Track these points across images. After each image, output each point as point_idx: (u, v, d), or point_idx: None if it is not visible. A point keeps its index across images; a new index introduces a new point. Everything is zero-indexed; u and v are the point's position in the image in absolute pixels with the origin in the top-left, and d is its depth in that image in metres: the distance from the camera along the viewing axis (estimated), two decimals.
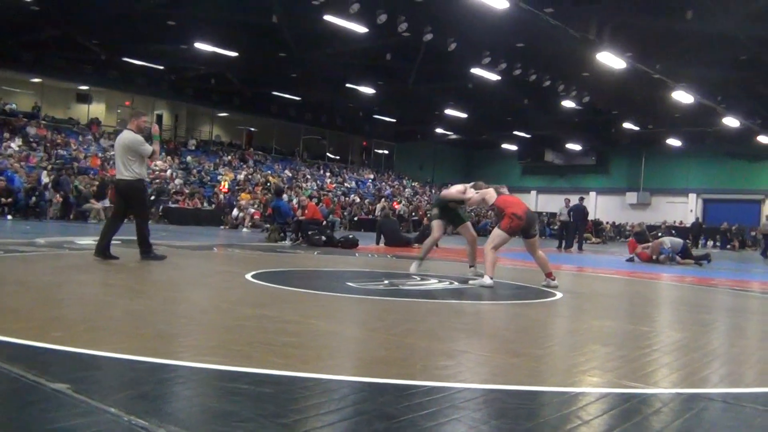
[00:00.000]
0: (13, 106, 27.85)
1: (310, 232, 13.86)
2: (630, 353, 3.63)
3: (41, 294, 4.70)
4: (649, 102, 27.64)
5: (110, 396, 2.23)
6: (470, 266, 7.88)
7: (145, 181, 7.76)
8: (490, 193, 7.37)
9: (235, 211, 23.73)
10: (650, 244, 14.72)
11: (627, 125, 33.81)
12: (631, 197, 42.10)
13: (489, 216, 33.29)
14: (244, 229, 21.42)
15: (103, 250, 7.31)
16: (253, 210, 23.62)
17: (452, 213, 8.09)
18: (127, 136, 7.46)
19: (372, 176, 40.80)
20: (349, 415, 2.22)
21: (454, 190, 7.94)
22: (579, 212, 19.79)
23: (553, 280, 7.12)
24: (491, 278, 6.71)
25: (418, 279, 6.90)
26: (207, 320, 4.02)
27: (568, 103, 27.77)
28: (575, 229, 20.08)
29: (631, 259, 14.49)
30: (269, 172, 33.01)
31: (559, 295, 6.43)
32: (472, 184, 7.94)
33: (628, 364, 3.33)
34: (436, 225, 8.11)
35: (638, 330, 4.61)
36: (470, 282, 6.92)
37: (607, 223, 39.66)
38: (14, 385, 2.34)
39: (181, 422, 2.05)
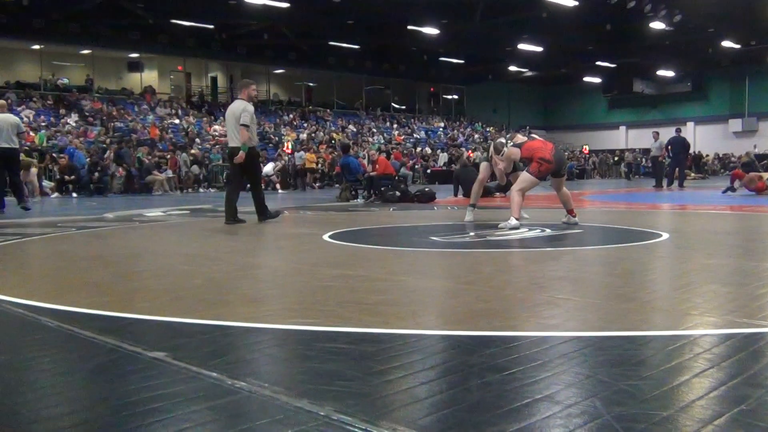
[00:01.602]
0: (66, 80, 28.89)
1: (383, 188, 13.93)
2: (755, 291, 3.51)
3: (120, 267, 4.92)
4: (750, 15, 26.16)
5: (209, 361, 2.32)
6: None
7: (256, 148, 8.60)
8: (513, 152, 7.59)
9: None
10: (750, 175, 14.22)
11: (726, 44, 32.17)
12: (735, 124, 40.27)
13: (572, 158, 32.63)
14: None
15: (232, 216, 8.26)
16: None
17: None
18: (237, 105, 8.36)
19: (442, 124, 40.47)
20: (458, 369, 2.24)
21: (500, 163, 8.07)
22: (678, 145, 19.05)
23: (574, 216, 7.44)
24: (517, 219, 7.00)
25: (507, 228, 6.86)
26: (291, 283, 4.12)
27: (656, 25, 26.65)
28: (675, 164, 19.42)
29: (732, 189, 14.03)
30: (332, 128, 33.21)
31: (665, 235, 6.28)
32: (509, 136, 8.31)
33: (753, 302, 3.23)
34: (483, 166, 8.50)
35: (761, 267, 4.45)
36: (499, 225, 7.08)
37: (708, 155, 38.21)
38: (112, 356, 2.46)
39: (284, 383, 2.12)
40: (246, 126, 8.13)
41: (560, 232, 6.84)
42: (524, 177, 7.28)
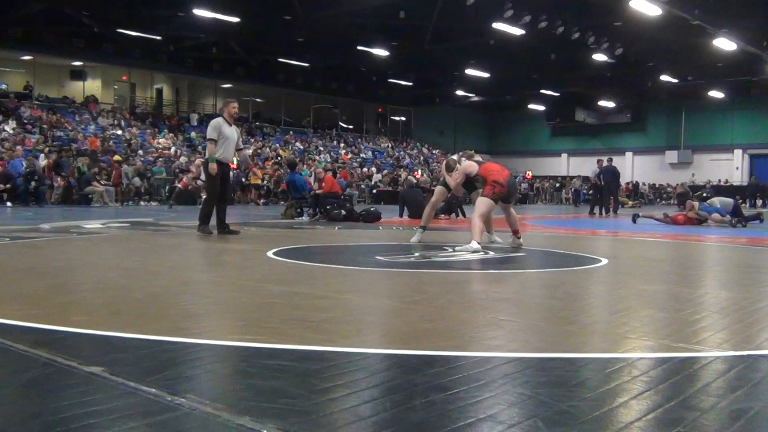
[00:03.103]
0: (4, 86, 28.02)
1: (328, 207, 13.89)
2: (689, 317, 3.61)
3: (55, 279, 4.77)
4: (687, 51, 27.14)
5: (148, 377, 2.26)
6: (488, 232, 8.13)
7: (223, 162, 8.83)
8: (469, 165, 7.80)
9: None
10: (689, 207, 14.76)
11: (664, 78, 33.28)
12: (671, 156, 41.61)
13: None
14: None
15: (221, 227, 8.78)
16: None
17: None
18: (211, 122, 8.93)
19: (389, 145, 40.68)
20: (402, 388, 2.24)
21: (453, 175, 8.07)
22: (609, 173, 19.73)
23: (519, 238, 7.77)
24: (478, 243, 7.06)
25: (451, 250, 6.92)
26: (234, 299, 4.06)
27: (599, 57, 27.37)
28: (608, 193, 20.01)
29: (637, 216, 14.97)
30: (278, 145, 33.03)
31: (603, 260, 6.43)
32: (461, 153, 8.44)
33: (688, 327, 3.33)
34: (438, 190, 8.57)
35: (695, 293, 4.59)
36: (457, 248, 7.15)
37: (644, 184, 39.33)
38: (46, 370, 2.38)
39: (226, 400, 2.08)
40: (212, 140, 8.59)
41: (504, 255, 6.94)
42: (480, 201, 7.49)
